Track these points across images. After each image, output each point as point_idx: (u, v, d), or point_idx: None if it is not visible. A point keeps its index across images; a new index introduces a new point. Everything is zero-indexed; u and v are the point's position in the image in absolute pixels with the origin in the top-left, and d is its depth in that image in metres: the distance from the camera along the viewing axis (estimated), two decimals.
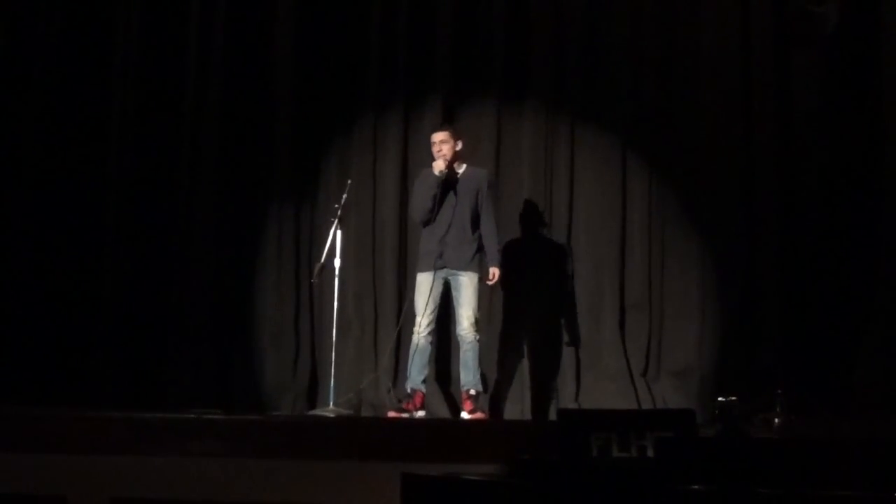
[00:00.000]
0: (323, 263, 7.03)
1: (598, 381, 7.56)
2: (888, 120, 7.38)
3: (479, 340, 6.93)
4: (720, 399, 4.72)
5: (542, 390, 7.59)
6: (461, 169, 7.03)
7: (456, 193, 6.93)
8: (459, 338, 6.91)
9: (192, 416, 6.33)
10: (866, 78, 7.49)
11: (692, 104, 7.80)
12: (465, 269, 6.88)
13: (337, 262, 7.06)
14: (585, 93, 7.92)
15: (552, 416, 7.37)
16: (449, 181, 6.92)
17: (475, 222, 6.93)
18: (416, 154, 7.89)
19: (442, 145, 6.93)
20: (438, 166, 6.89)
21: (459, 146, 7.03)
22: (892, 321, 7.16)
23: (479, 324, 6.97)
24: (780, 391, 5.80)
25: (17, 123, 8.10)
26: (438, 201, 6.88)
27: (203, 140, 8.08)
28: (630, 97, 7.85)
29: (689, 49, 7.85)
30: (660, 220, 7.78)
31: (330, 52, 8.13)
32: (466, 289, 6.85)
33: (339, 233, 7.07)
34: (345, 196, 7.15)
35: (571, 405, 7.41)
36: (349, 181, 7.32)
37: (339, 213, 7.06)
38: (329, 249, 7.03)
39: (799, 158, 7.63)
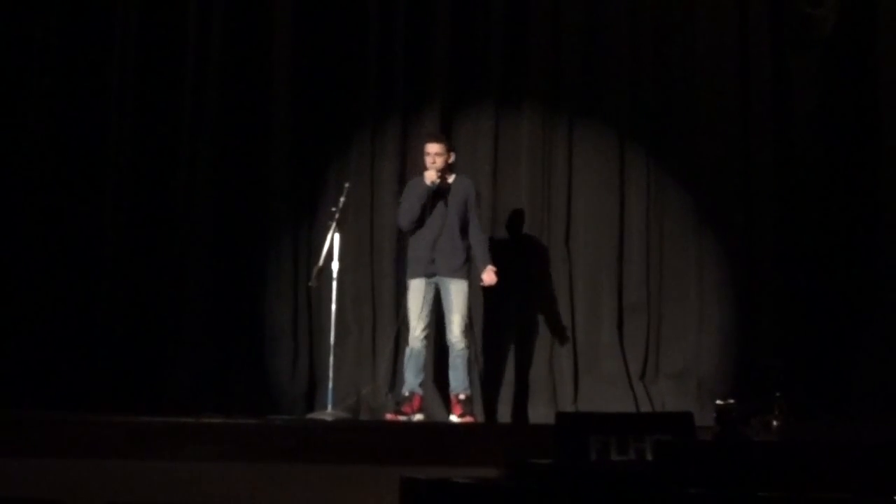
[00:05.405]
0: (321, 267, 7.03)
1: (597, 383, 7.57)
2: (886, 121, 7.40)
3: (468, 347, 7.02)
4: (718, 402, 4.71)
5: (537, 392, 7.61)
6: (450, 179, 7.07)
7: (446, 203, 7.00)
8: (449, 343, 6.99)
9: (191, 419, 6.34)
10: (864, 80, 7.51)
11: (690, 106, 7.83)
12: (455, 276, 6.96)
13: (335, 266, 7.07)
14: (583, 95, 7.94)
15: (550, 418, 7.36)
16: (439, 191, 6.97)
17: (464, 230, 7.02)
18: (414, 158, 7.89)
19: (436, 157, 6.98)
20: (430, 177, 6.95)
21: (452, 158, 7.09)
22: (890, 323, 7.17)
23: (469, 329, 7.06)
24: (778, 394, 5.80)
25: (14, 128, 8.08)
26: (428, 210, 6.95)
27: (202, 143, 8.06)
28: (628, 99, 7.87)
29: (687, 52, 7.87)
30: (658, 222, 7.80)
31: (328, 56, 8.11)
32: (456, 296, 6.93)
33: (336, 236, 7.07)
34: (343, 199, 7.15)
35: (569, 408, 7.41)
36: (346, 185, 7.32)
37: (336, 216, 7.06)
38: (327, 253, 7.03)
39: (797, 160, 7.65)
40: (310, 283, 7.31)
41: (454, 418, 6.94)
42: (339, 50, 8.10)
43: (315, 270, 7.06)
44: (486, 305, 7.64)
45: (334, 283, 7.08)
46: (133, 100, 8.06)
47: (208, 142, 8.05)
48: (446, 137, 7.29)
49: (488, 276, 6.98)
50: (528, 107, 7.92)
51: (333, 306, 7.07)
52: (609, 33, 7.94)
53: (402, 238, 7.76)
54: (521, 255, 7.76)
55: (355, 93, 8.08)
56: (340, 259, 7.13)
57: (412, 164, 7.88)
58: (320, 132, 8.09)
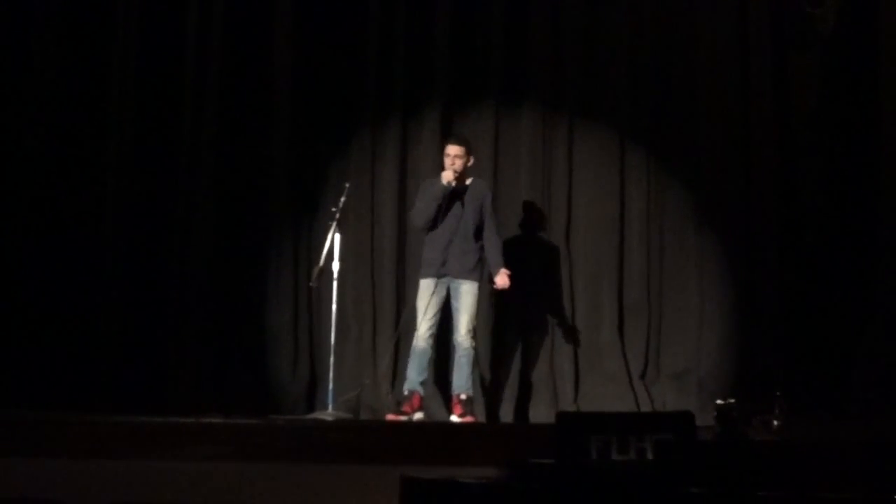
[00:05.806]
0: (321, 267, 7.03)
1: (597, 383, 7.57)
2: (886, 121, 7.39)
3: (474, 348, 7.04)
4: (719, 401, 4.72)
5: (538, 392, 7.61)
6: (468, 181, 7.10)
7: (462, 205, 7.02)
8: (456, 343, 7.02)
9: (192, 419, 6.33)
10: (864, 79, 7.50)
11: (690, 106, 7.83)
12: (467, 277, 6.99)
13: (335, 266, 7.07)
14: (583, 95, 7.94)
15: (550, 418, 7.37)
16: (455, 193, 6.98)
17: (478, 233, 7.05)
18: (415, 157, 7.90)
19: (456, 159, 6.99)
20: (447, 177, 6.96)
21: (471, 162, 7.10)
22: (889, 323, 7.17)
23: (476, 331, 7.07)
24: (778, 393, 5.81)
25: (14, 128, 8.08)
26: (443, 211, 6.97)
27: (203, 144, 8.05)
28: (628, 100, 7.87)
29: (687, 52, 7.87)
30: (658, 222, 7.81)
31: (328, 56, 8.12)
32: (466, 297, 6.96)
33: (337, 236, 7.08)
34: (343, 199, 7.15)
35: (570, 408, 7.42)
36: (347, 184, 7.32)
37: (336, 216, 7.07)
38: (327, 253, 7.04)
39: (797, 160, 7.66)
40: (310, 283, 7.32)
41: (454, 418, 6.97)
42: (339, 50, 8.10)
43: (315, 270, 7.06)
44: (491, 306, 7.65)
45: (335, 283, 7.08)
46: (133, 100, 8.05)
47: (209, 142, 8.04)
48: (467, 141, 7.22)
49: (501, 280, 7.01)
50: (528, 107, 7.92)
51: (334, 306, 7.07)
52: (609, 33, 7.94)
53: (404, 238, 7.79)
54: (521, 255, 7.75)
55: (355, 93, 8.08)
56: (341, 259, 7.13)
57: (413, 163, 7.90)
58: (320, 132, 8.09)
